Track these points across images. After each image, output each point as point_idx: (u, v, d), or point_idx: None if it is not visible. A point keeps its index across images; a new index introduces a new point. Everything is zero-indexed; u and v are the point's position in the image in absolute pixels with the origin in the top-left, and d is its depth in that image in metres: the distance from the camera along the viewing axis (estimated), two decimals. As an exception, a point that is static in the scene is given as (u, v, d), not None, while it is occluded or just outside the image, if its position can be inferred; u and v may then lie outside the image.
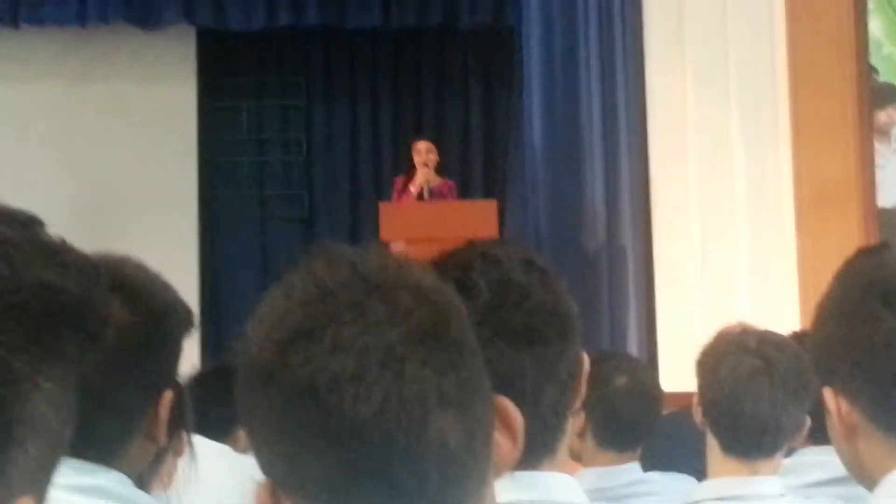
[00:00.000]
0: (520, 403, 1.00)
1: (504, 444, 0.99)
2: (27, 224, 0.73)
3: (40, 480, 0.72)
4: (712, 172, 7.17)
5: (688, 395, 2.24)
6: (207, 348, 5.18)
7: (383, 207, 7.28)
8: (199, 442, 2.77)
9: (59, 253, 0.74)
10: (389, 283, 0.92)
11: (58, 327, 0.71)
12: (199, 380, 3.11)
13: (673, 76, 7.30)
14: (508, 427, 0.99)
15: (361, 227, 9.04)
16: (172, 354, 1.53)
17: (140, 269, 1.51)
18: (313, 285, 0.93)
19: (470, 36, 9.20)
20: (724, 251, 7.09)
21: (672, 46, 7.30)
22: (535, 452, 1.16)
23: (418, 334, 0.90)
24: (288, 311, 0.92)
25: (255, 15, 8.77)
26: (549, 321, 1.29)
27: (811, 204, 6.92)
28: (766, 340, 2.13)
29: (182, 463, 2.21)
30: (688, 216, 7.22)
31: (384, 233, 7.03)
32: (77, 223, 6.65)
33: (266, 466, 0.95)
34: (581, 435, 2.57)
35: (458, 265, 1.32)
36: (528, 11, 8.23)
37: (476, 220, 7.03)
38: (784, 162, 7.05)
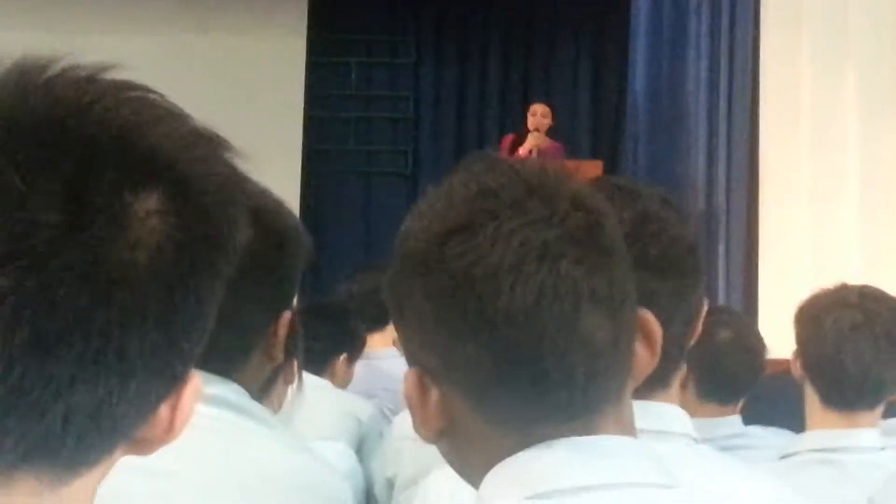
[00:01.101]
0: None
1: (642, 354, 1.03)
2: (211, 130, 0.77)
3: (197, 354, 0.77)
4: (825, 145, 7.04)
5: (787, 362, 2.24)
6: (307, 298, 5.25)
7: (488, 163, 7.32)
8: (304, 375, 2.86)
9: (230, 156, 0.78)
10: (549, 186, 0.97)
11: (234, 229, 0.75)
12: (298, 314, 3.20)
13: (788, 43, 7.17)
14: (648, 338, 1.03)
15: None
16: (293, 276, 1.57)
17: (265, 192, 1.55)
18: (475, 184, 0.97)
19: (581, 2, 9.16)
20: (834, 230, 6.96)
21: (788, 24, 7.16)
22: (651, 382, 1.20)
23: (574, 235, 0.94)
24: (449, 206, 0.97)
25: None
26: (684, 254, 1.32)
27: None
28: (867, 295, 2.14)
29: (290, 390, 2.30)
30: (797, 191, 7.10)
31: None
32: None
33: (416, 355, 0.99)
34: (683, 386, 2.59)
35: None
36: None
37: (581, 178, 7.02)
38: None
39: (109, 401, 0.68)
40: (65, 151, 0.67)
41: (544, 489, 0.93)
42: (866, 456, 2.07)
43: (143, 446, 0.75)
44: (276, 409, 1.80)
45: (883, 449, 2.10)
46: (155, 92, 0.75)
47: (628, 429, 0.99)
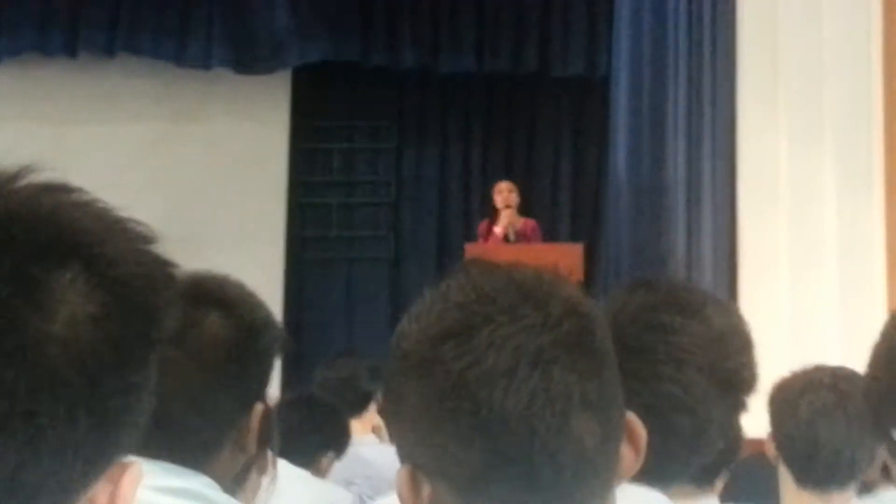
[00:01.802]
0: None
1: (628, 455, 1.06)
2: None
3: (135, 440, 0.78)
4: (802, 224, 7.09)
5: (759, 442, 2.26)
6: (290, 385, 5.25)
7: (469, 249, 7.35)
8: (282, 465, 2.85)
9: (155, 242, 0.79)
10: (542, 291, 1.00)
11: (165, 309, 0.77)
12: (283, 408, 3.19)
13: (765, 130, 7.25)
14: (634, 440, 1.07)
15: (448, 269, 9.05)
16: (266, 369, 1.58)
17: (239, 286, 1.58)
18: (471, 289, 1.01)
19: (562, 83, 9.27)
20: (813, 303, 6.99)
21: (765, 102, 7.24)
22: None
23: (567, 341, 0.98)
24: (445, 310, 1.01)
25: (348, 52, 8.93)
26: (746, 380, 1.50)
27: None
28: (840, 376, 2.16)
29: (264, 481, 2.29)
30: (776, 265, 7.14)
31: (470, 275, 7.09)
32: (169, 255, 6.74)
33: (409, 453, 1.02)
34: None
35: None
36: (618, 62, 8.28)
37: (562, 262, 7.05)
38: (876, 213, 6.97)
39: (23, 470, 0.68)
40: None
41: None
42: (841, 536, 2.08)
43: None
44: (251, 500, 1.80)
45: (857, 528, 2.10)
46: (85, 191, 0.77)
47: None
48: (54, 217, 0.73)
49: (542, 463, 0.95)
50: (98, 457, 0.73)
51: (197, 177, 8.93)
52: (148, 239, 0.78)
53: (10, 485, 0.68)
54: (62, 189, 0.75)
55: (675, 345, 1.41)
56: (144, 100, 9.01)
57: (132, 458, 0.77)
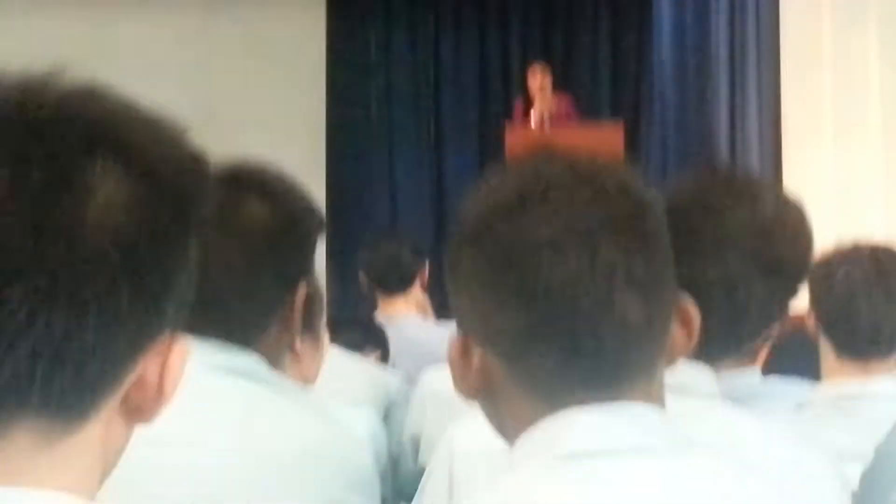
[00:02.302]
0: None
1: (680, 336, 1.10)
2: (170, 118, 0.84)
3: (179, 317, 0.82)
4: (846, 92, 7.01)
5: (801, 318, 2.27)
6: (334, 270, 5.30)
7: (509, 129, 7.31)
8: (337, 352, 2.90)
9: (188, 139, 0.84)
10: (598, 174, 1.04)
11: (198, 194, 0.82)
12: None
13: (809, 2, 7.13)
14: (687, 324, 1.11)
15: (488, 150, 9.08)
16: (307, 251, 1.62)
17: (279, 174, 1.61)
18: (530, 169, 1.06)
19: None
20: (857, 177, 6.95)
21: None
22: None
23: (617, 220, 1.01)
24: (503, 185, 1.05)
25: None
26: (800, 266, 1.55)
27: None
28: (879, 250, 2.18)
29: (317, 357, 2.34)
30: (820, 137, 7.08)
31: (510, 154, 7.08)
32: (209, 147, 6.76)
33: (463, 320, 1.07)
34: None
35: None
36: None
37: (603, 141, 7.03)
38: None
39: (70, 341, 0.74)
40: (14, 126, 0.76)
41: (567, 451, 0.99)
42: (881, 404, 2.10)
43: (139, 413, 0.81)
44: (307, 375, 1.84)
45: (898, 397, 2.13)
46: (114, 93, 0.82)
47: (656, 402, 1.04)
48: (84, 111, 0.78)
49: (583, 334, 0.99)
50: (142, 330, 0.78)
51: (235, 67, 8.91)
52: (179, 131, 0.82)
53: (58, 354, 0.73)
54: (92, 90, 0.80)
55: (721, 227, 1.44)
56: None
57: (180, 336, 0.82)
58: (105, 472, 0.81)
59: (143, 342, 0.78)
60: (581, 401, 1.00)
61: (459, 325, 1.07)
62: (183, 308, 0.82)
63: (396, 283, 3.83)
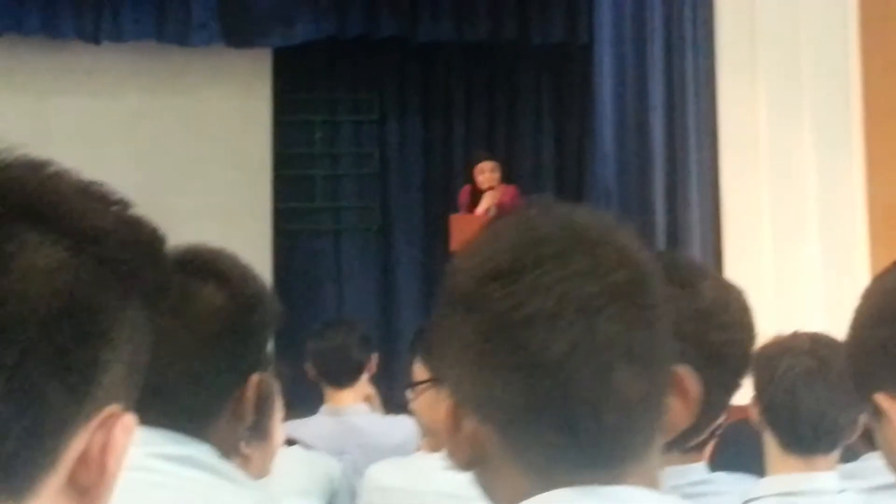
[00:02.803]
0: None
1: (678, 409, 1.07)
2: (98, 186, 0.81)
3: (128, 391, 0.80)
4: (784, 189, 7.12)
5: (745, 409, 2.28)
6: (282, 357, 5.25)
7: (453, 220, 7.37)
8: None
9: (128, 206, 0.82)
10: (595, 238, 1.00)
11: (139, 258, 0.79)
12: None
13: (744, 93, 7.28)
14: (684, 394, 1.08)
15: (436, 238, 9.11)
16: (262, 340, 1.61)
17: (234, 259, 1.60)
18: (524, 229, 1.01)
19: (543, 50, 9.26)
20: (796, 270, 7.03)
21: (744, 67, 7.27)
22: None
23: (616, 290, 0.97)
24: (496, 251, 1.00)
25: (326, 24, 8.89)
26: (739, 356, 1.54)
27: (885, 222, 6.87)
28: (819, 341, 2.20)
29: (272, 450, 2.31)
30: (759, 236, 7.19)
31: (455, 245, 7.11)
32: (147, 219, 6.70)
33: (454, 387, 1.03)
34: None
35: None
36: (601, 29, 8.28)
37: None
38: (857, 180, 7.01)
39: None
40: None
41: None
42: (825, 499, 2.12)
43: (88, 495, 0.77)
44: (259, 468, 1.82)
45: (842, 491, 2.14)
46: (59, 164, 0.79)
47: (653, 482, 1.01)
48: (11, 179, 0.76)
49: (582, 412, 0.96)
50: (68, 405, 0.74)
51: (179, 151, 8.90)
52: (123, 202, 0.80)
53: None
54: (28, 161, 0.78)
55: None
56: (124, 73, 8.96)
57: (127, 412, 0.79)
58: None
59: (73, 418, 0.75)
60: (576, 480, 0.97)
61: (451, 392, 1.03)
62: (133, 381, 0.79)
63: (345, 375, 3.82)
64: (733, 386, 1.52)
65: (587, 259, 0.97)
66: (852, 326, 1.35)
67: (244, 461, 1.65)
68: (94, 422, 0.76)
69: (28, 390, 0.72)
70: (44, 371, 0.72)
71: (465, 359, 1.00)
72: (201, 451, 1.51)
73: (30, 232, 0.74)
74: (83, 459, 0.76)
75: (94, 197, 0.79)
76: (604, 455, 0.98)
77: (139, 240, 0.80)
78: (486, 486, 1.04)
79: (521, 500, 0.97)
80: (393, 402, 3.96)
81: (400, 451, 3.29)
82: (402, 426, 3.48)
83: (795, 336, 2.24)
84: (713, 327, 1.46)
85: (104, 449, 0.77)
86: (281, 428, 2.49)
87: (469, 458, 1.02)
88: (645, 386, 0.97)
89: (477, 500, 1.66)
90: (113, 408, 0.78)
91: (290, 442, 3.26)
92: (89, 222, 0.76)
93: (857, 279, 6.89)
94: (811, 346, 2.18)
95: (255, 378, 1.59)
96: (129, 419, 0.79)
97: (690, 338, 1.39)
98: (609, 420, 0.96)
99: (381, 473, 2.27)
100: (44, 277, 0.73)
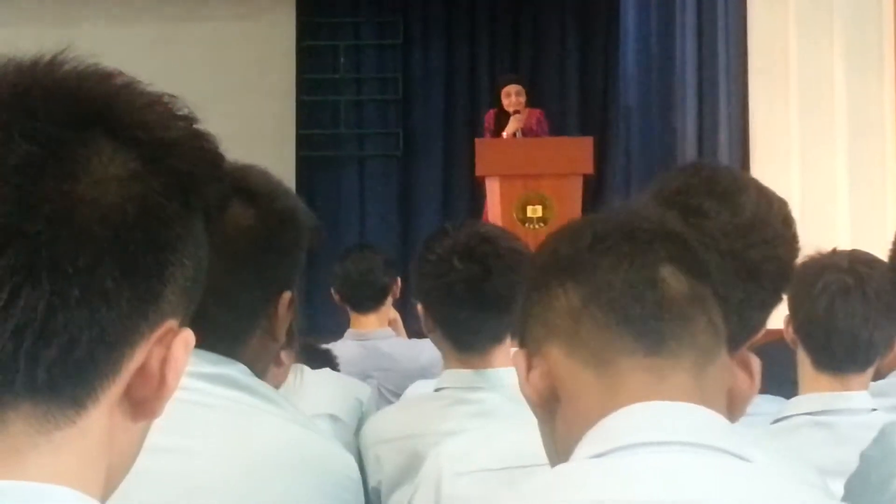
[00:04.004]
0: None
1: (744, 380, 1.17)
2: (175, 98, 0.82)
3: (185, 307, 0.80)
4: (813, 111, 7.05)
5: (779, 332, 2.26)
6: (306, 282, 5.25)
7: (479, 143, 7.30)
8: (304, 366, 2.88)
9: (194, 120, 0.82)
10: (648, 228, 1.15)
11: (202, 172, 0.80)
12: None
13: (775, 11, 7.18)
14: (747, 367, 1.18)
15: (457, 164, 9.10)
16: (294, 258, 1.58)
17: (265, 175, 1.57)
18: (587, 228, 1.16)
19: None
20: (823, 190, 6.98)
21: None
22: None
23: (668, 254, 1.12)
24: (556, 246, 1.17)
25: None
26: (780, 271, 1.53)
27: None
28: (858, 259, 2.17)
29: (293, 367, 2.30)
30: (787, 153, 7.13)
31: (480, 169, 7.08)
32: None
33: (537, 338, 1.14)
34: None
35: None
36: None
37: (572, 156, 7.03)
38: (888, 100, 6.93)
39: (52, 319, 0.71)
40: (5, 103, 0.74)
41: (606, 448, 1.03)
42: (857, 418, 2.10)
43: (143, 407, 0.78)
44: (278, 386, 1.82)
45: (874, 410, 2.13)
46: (126, 75, 0.80)
47: (709, 402, 1.08)
48: (82, 89, 0.76)
49: (629, 299, 1.08)
50: (134, 313, 0.75)
51: (202, 78, 8.86)
52: (189, 116, 0.81)
53: (42, 333, 0.71)
54: (95, 70, 0.78)
55: (698, 228, 1.40)
56: (145, 1, 8.93)
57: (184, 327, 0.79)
58: (114, 472, 0.79)
59: (138, 326, 0.75)
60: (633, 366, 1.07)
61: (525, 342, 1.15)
62: (190, 297, 0.80)
63: (369, 299, 3.81)
64: (772, 301, 1.49)
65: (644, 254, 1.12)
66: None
67: (277, 369, 1.65)
68: (155, 335, 0.77)
69: (100, 296, 0.72)
70: (116, 277, 0.73)
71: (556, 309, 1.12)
72: (236, 370, 1.50)
73: (104, 140, 0.74)
74: (142, 372, 0.77)
75: (162, 109, 0.79)
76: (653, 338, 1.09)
77: (204, 153, 0.80)
78: (565, 425, 1.12)
79: (596, 420, 1.06)
80: (415, 326, 3.96)
81: (424, 373, 3.29)
82: (427, 350, 3.47)
83: (834, 253, 2.21)
84: (752, 243, 1.45)
85: (164, 363, 0.77)
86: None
87: (545, 397, 1.12)
88: (688, 285, 1.10)
89: (475, 430, 1.68)
90: (172, 322, 0.78)
91: (321, 359, 3.28)
92: (159, 133, 0.77)
93: (884, 201, 6.85)
94: (850, 264, 2.15)
95: (286, 296, 1.58)
96: (189, 334, 0.79)
97: (729, 254, 1.39)
98: (651, 308, 1.09)
99: (381, 425, 2.25)
100: (117, 185, 0.73)
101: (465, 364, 2.13)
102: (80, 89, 0.76)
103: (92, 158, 0.73)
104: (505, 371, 2.09)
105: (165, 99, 0.80)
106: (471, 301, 2.05)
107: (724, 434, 1.05)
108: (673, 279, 1.10)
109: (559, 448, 1.11)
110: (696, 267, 1.12)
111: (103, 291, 0.72)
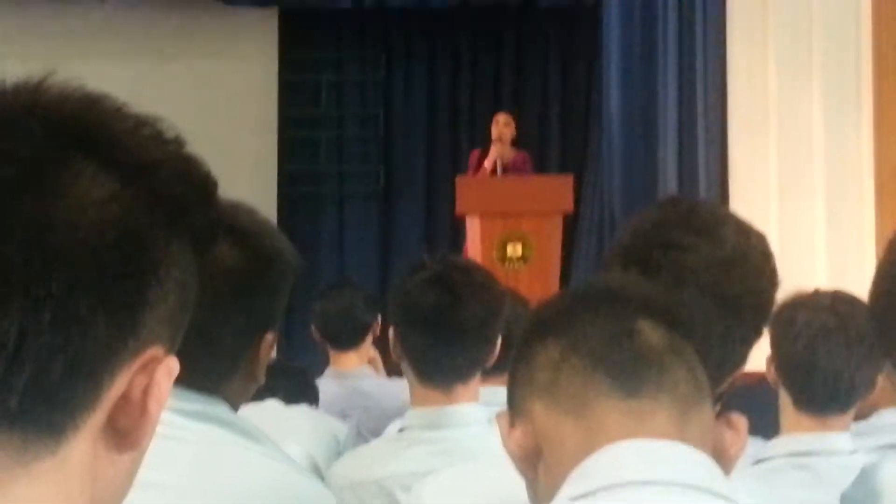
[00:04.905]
0: None
1: (730, 439, 1.17)
2: (151, 121, 0.80)
3: (172, 334, 0.78)
4: (792, 152, 7.10)
5: (758, 374, 2.26)
6: (285, 320, 5.22)
7: (460, 181, 7.31)
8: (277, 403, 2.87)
9: (183, 144, 0.80)
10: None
11: (188, 198, 0.77)
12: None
13: (754, 54, 7.24)
14: (733, 426, 1.20)
15: (438, 202, 9.11)
16: (279, 299, 1.58)
17: (252, 214, 1.56)
18: (568, 293, 1.26)
19: (550, 12, 9.22)
20: (802, 233, 7.02)
21: (755, 26, 7.23)
22: None
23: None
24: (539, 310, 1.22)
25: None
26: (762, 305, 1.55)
27: (891, 185, 6.84)
28: (840, 299, 2.17)
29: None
30: (766, 194, 7.16)
31: (460, 207, 7.08)
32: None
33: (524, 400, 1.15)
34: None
35: None
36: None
37: (552, 194, 7.05)
38: (865, 143, 6.98)
39: (25, 343, 0.69)
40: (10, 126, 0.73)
41: (588, 489, 1.03)
42: (837, 459, 2.10)
43: (127, 438, 0.76)
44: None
45: (854, 452, 2.12)
46: (112, 98, 0.79)
47: (693, 444, 1.08)
48: (67, 110, 0.75)
49: (607, 348, 1.10)
50: (112, 340, 0.73)
51: (185, 114, 8.79)
52: (178, 140, 0.79)
53: (15, 356, 0.70)
54: (83, 93, 0.77)
55: (679, 263, 1.40)
56: (129, 36, 8.93)
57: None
58: None
59: (118, 353, 0.73)
60: (611, 410, 1.08)
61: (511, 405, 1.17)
62: (177, 324, 0.78)
63: (349, 338, 3.79)
64: (753, 337, 1.48)
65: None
66: (875, 280, 1.33)
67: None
68: (137, 362, 0.75)
69: (75, 321, 0.70)
70: (91, 303, 0.71)
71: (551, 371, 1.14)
72: (217, 408, 1.50)
73: (84, 161, 0.72)
74: (124, 401, 0.75)
75: (149, 131, 0.77)
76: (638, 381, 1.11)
77: (192, 177, 0.78)
78: (549, 475, 1.11)
79: (576, 465, 1.06)
80: (393, 365, 3.93)
81: (403, 413, 3.28)
82: (406, 389, 3.46)
83: (816, 293, 2.22)
84: (732, 278, 1.43)
85: (146, 391, 0.75)
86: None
87: (532, 453, 1.13)
88: (667, 337, 1.12)
89: (443, 468, 1.68)
90: (156, 349, 0.76)
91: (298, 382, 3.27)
92: (143, 155, 0.75)
93: (862, 238, 6.88)
94: (832, 303, 2.15)
95: (269, 337, 1.57)
96: (172, 362, 0.77)
97: (709, 288, 1.37)
98: (630, 357, 1.11)
99: (345, 470, 2.23)
100: (96, 207, 0.71)
101: (429, 399, 2.12)
102: (64, 110, 0.75)
103: (71, 180, 0.72)
104: (469, 407, 2.09)
105: (152, 122, 0.78)
106: (438, 329, 2.04)
107: (709, 474, 1.05)
108: (650, 331, 1.11)
109: (543, 501, 1.11)
110: (676, 323, 1.13)
111: (78, 318, 0.70)
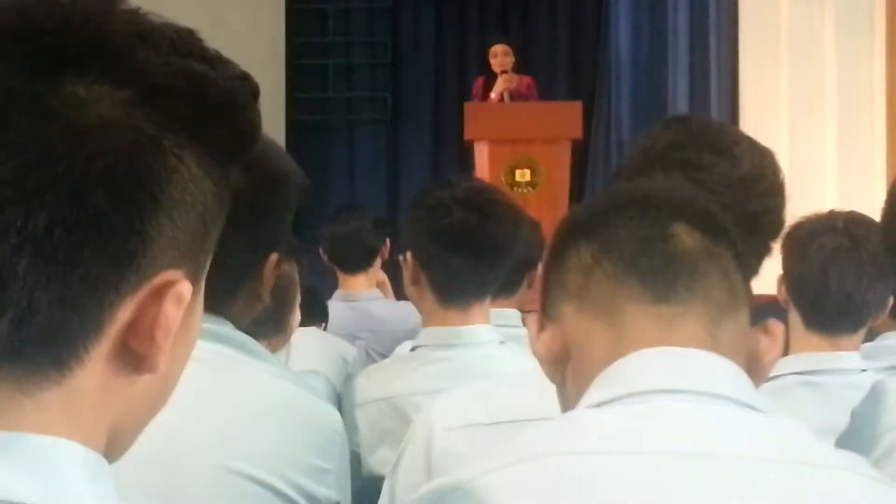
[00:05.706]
0: None
1: (766, 345, 1.14)
2: (187, 31, 0.76)
3: (192, 256, 0.76)
4: (803, 79, 7.04)
5: (768, 296, 2.26)
6: (293, 242, 5.23)
7: (468, 107, 7.26)
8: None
9: (210, 54, 0.77)
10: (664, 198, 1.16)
11: (204, 115, 0.73)
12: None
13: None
14: (770, 331, 1.16)
15: (446, 129, 9.08)
16: (285, 221, 1.57)
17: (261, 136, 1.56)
18: (604, 196, 1.22)
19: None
20: (812, 159, 6.99)
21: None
22: None
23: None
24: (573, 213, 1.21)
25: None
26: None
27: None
28: (854, 220, 2.16)
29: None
30: (777, 119, 7.12)
31: (468, 133, 7.05)
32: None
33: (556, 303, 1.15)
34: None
35: None
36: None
37: (561, 120, 7.01)
38: (878, 67, 6.92)
39: (11, 266, 0.67)
40: (24, 37, 0.69)
41: (615, 394, 1.03)
42: (846, 378, 2.10)
43: (143, 362, 0.74)
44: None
45: (863, 371, 2.12)
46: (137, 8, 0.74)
47: (725, 352, 1.07)
48: (88, 25, 0.70)
49: (639, 252, 1.09)
50: (108, 272, 0.70)
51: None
52: (200, 53, 0.75)
53: (4, 283, 0.68)
54: (112, 6, 0.72)
55: (698, 182, 1.41)
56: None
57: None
58: (122, 430, 0.76)
59: (115, 286, 0.70)
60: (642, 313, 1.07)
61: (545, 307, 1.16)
62: (198, 245, 0.75)
63: (358, 261, 3.80)
64: (766, 251, 1.50)
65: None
66: (887, 200, 1.33)
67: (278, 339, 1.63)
68: (145, 290, 0.72)
69: (58, 260, 0.68)
70: (75, 240, 0.68)
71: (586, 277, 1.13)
72: (223, 326, 1.51)
73: (76, 85, 0.68)
74: (133, 328, 0.72)
75: (160, 45, 0.72)
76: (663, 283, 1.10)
77: (205, 96, 0.73)
78: (576, 378, 1.12)
79: (608, 364, 1.06)
80: (403, 289, 3.93)
81: (412, 335, 3.29)
82: (415, 311, 3.47)
83: (831, 214, 2.21)
84: (752, 196, 1.45)
85: (155, 318, 0.72)
86: (297, 316, 2.48)
87: (558, 355, 1.13)
88: (700, 239, 1.10)
89: (455, 386, 1.68)
90: (169, 274, 0.73)
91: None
92: (147, 74, 0.70)
93: (873, 163, 6.85)
94: (845, 225, 2.15)
95: (273, 258, 1.57)
96: (184, 288, 0.74)
97: (729, 207, 1.38)
98: (661, 261, 1.10)
99: (358, 388, 2.24)
100: (80, 139, 0.67)
101: (444, 319, 2.13)
102: (88, 26, 0.70)
103: (57, 108, 0.68)
104: (483, 328, 2.10)
105: (168, 34, 0.74)
106: (465, 247, 2.06)
107: (736, 383, 1.05)
108: (685, 235, 1.10)
109: (571, 405, 1.11)
110: (713, 228, 1.12)
111: (63, 257, 0.68)
